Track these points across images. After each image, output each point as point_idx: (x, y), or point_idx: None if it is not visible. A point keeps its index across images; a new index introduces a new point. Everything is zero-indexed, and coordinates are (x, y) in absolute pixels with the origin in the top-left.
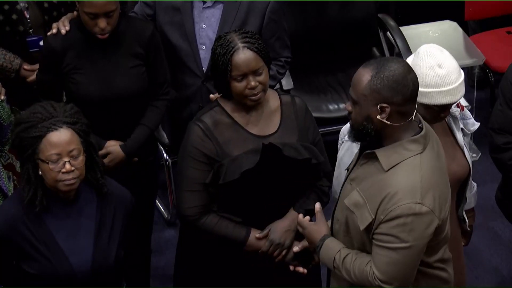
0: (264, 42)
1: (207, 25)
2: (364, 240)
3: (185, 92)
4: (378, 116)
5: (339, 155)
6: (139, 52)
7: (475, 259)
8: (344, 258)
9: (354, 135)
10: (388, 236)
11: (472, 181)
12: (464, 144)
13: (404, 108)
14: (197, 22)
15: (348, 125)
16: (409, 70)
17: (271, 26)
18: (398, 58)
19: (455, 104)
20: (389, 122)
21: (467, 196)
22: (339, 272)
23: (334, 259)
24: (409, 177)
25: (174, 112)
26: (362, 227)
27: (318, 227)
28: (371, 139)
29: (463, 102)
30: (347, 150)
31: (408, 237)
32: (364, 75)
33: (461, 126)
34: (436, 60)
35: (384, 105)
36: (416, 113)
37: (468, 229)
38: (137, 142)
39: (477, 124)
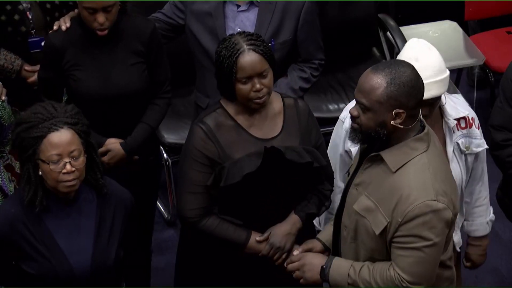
0: (299, 44)
1: (241, 28)
2: (373, 246)
3: (219, 96)
4: (392, 122)
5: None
6: (139, 49)
7: None
8: (360, 270)
9: (363, 139)
10: (410, 237)
11: (491, 208)
12: (456, 158)
13: (416, 111)
14: (231, 26)
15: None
16: (418, 72)
17: (306, 27)
18: (404, 61)
19: (455, 116)
20: (402, 126)
21: (476, 222)
22: (355, 287)
23: (349, 274)
24: (420, 176)
25: None
26: (377, 232)
27: (313, 254)
28: (375, 142)
29: (470, 112)
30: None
31: (430, 234)
32: (378, 82)
33: (459, 141)
34: (415, 53)
35: (400, 110)
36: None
37: (458, 249)
38: (137, 140)
39: (482, 148)
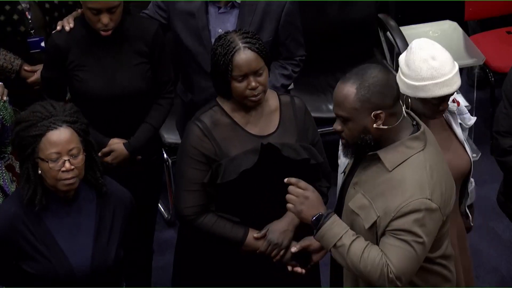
0: (280, 43)
1: (223, 30)
2: None
3: (203, 94)
4: (374, 125)
5: (340, 161)
6: (143, 50)
7: (475, 259)
8: (354, 240)
9: (353, 151)
10: (400, 231)
11: (471, 178)
12: (464, 139)
13: (395, 109)
14: (212, 27)
15: None
16: (387, 71)
17: (287, 27)
18: (372, 64)
19: (451, 99)
20: (385, 127)
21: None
22: (340, 253)
23: (342, 237)
24: (416, 175)
25: (191, 113)
26: (367, 226)
27: (320, 197)
28: (370, 148)
29: (462, 101)
30: None
31: (420, 232)
32: (348, 90)
33: (459, 121)
34: (429, 52)
35: (378, 111)
36: (408, 111)
37: (472, 224)
38: (141, 140)
39: (474, 119)
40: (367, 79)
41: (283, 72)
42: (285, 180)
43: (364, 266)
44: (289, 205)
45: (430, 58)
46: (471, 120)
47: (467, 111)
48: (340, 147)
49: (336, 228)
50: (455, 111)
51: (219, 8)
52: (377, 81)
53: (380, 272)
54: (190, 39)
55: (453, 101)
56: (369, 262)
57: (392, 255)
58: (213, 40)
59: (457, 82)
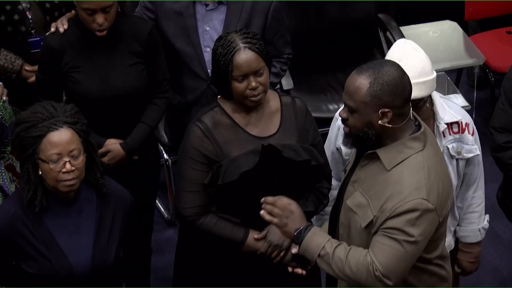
0: (267, 41)
1: (211, 28)
2: (360, 243)
3: (191, 95)
4: (380, 121)
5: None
6: (138, 50)
7: None
8: (337, 246)
9: (353, 142)
10: (393, 230)
11: (485, 215)
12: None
13: (403, 110)
14: (200, 25)
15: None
16: (403, 71)
17: (274, 25)
18: (389, 60)
19: (447, 120)
20: (390, 125)
21: (467, 228)
22: (325, 262)
23: (324, 246)
24: (414, 175)
25: (179, 115)
26: (363, 225)
27: (302, 212)
28: (366, 143)
29: (462, 101)
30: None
31: (413, 231)
32: (362, 82)
33: (449, 145)
34: (399, 54)
35: (386, 110)
36: (412, 111)
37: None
38: (137, 140)
39: (474, 154)
40: (382, 75)
41: (272, 70)
42: (262, 200)
43: (349, 269)
44: (274, 219)
45: (397, 59)
46: (469, 153)
47: (473, 144)
48: (327, 142)
49: (317, 239)
50: (441, 132)
51: (207, 5)
52: (391, 79)
53: (366, 272)
54: (178, 39)
55: (458, 126)
56: (353, 264)
57: (379, 253)
58: (201, 39)
59: (414, 92)
